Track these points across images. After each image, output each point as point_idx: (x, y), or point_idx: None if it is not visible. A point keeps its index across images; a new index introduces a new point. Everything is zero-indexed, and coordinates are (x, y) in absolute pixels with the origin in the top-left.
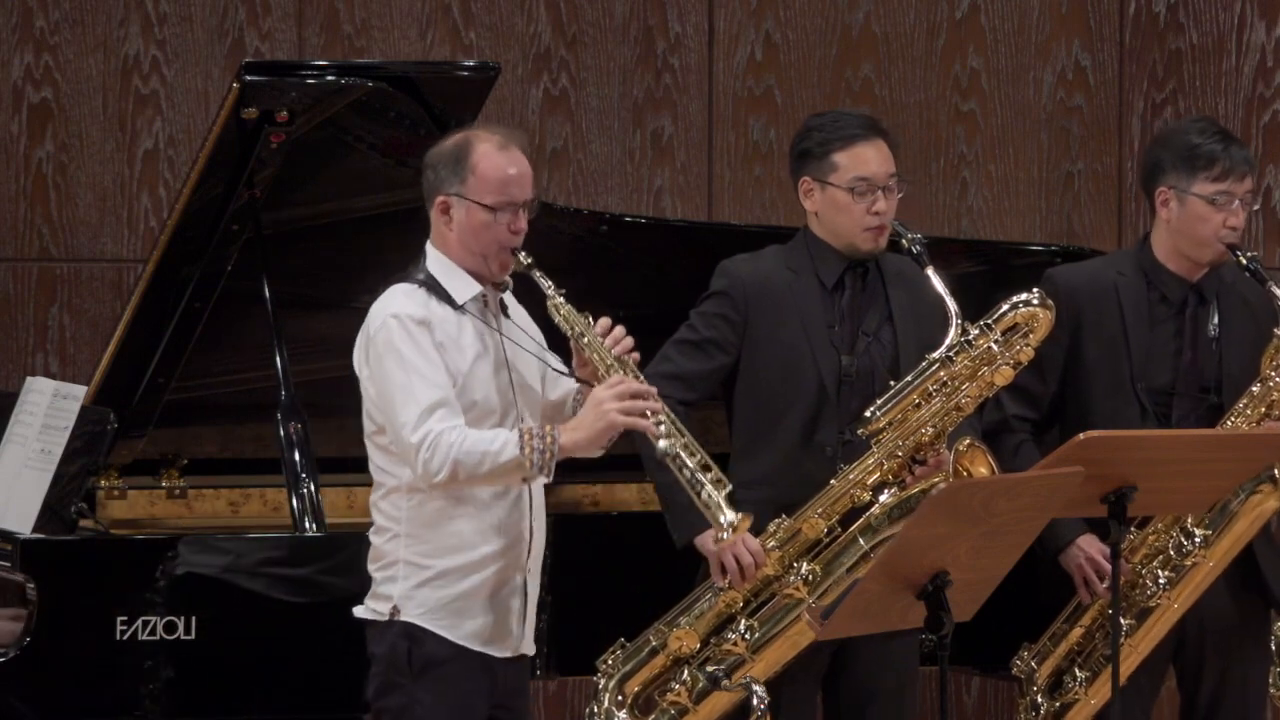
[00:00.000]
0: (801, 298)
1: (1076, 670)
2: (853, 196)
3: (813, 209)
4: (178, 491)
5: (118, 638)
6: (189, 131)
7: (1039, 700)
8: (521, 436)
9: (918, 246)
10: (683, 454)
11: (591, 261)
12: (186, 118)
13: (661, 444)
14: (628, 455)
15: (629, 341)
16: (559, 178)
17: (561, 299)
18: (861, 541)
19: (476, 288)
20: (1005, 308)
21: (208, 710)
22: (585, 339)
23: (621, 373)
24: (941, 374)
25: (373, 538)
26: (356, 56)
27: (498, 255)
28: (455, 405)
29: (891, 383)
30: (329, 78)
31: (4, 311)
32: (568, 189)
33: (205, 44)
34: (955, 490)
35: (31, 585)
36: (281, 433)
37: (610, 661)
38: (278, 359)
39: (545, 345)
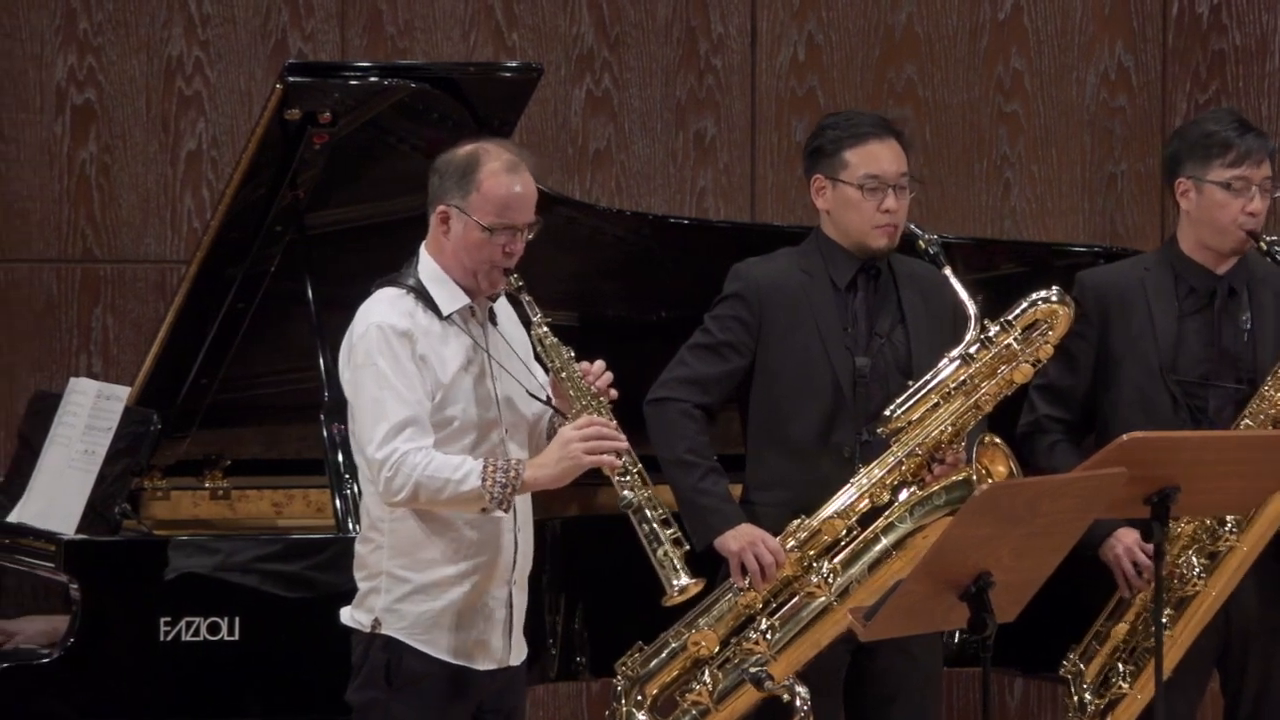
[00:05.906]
0: (815, 299)
1: (1120, 665)
2: (863, 194)
3: (824, 207)
4: (221, 492)
5: (161, 639)
6: (232, 133)
7: (1087, 699)
8: (485, 468)
9: (934, 248)
10: (645, 508)
11: (634, 263)
12: (229, 119)
13: (626, 494)
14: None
15: (608, 379)
16: (601, 179)
17: (546, 329)
18: (883, 540)
19: (464, 299)
20: (1024, 304)
21: (251, 711)
22: (564, 374)
23: (595, 414)
24: (961, 372)
25: (358, 546)
26: (399, 58)
27: (489, 274)
28: (425, 424)
29: (909, 382)
30: (372, 79)
31: (48, 313)
32: (610, 190)
33: (248, 45)
34: (998, 491)
35: (75, 586)
36: (325, 433)
37: (629, 664)
38: (321, 360)
39: (533, 355)
